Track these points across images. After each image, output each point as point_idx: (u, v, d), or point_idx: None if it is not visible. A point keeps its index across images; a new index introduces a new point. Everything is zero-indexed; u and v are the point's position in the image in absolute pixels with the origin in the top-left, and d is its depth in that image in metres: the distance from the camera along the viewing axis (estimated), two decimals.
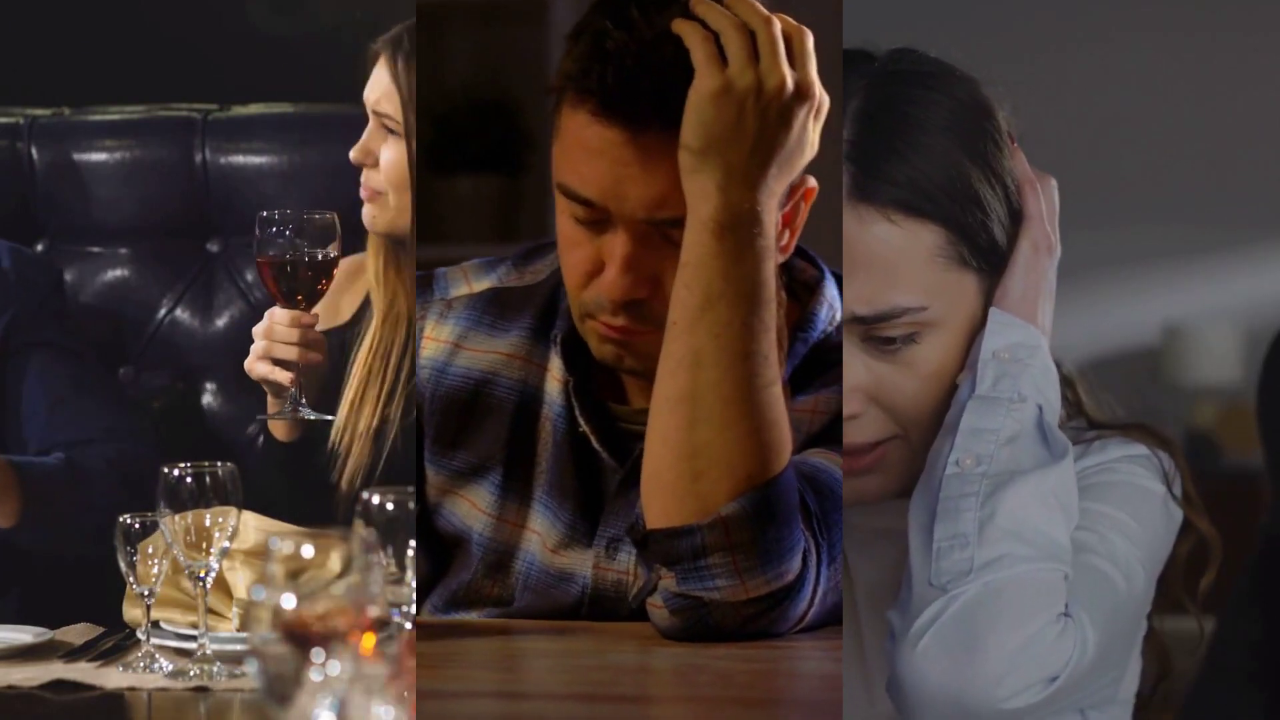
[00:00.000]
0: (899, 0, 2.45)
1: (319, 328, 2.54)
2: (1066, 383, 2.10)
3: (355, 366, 2.60)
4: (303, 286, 2.50)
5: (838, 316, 2.11)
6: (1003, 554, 1.88)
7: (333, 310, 2.69)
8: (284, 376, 2.51)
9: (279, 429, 2.61)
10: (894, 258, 1.94)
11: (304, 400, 2.51)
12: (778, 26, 1.91)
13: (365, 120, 2.62)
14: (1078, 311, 2.34)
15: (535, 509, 2.13)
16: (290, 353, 2.50)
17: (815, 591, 1.94)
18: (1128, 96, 2.62)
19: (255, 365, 2.53)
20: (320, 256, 2.48)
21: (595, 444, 2.10)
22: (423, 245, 2.33)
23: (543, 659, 2.00)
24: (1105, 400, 2.18)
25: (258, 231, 2.49)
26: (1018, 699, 1.86)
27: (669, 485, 1.92)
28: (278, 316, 2.51)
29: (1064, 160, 2.19)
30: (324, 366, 2.55)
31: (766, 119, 1.90)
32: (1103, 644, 1.94)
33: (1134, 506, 2.02)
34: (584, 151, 1.96)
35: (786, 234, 2.01)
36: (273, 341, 2.51)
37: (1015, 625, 1.86)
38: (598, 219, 1.98)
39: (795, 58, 1.92)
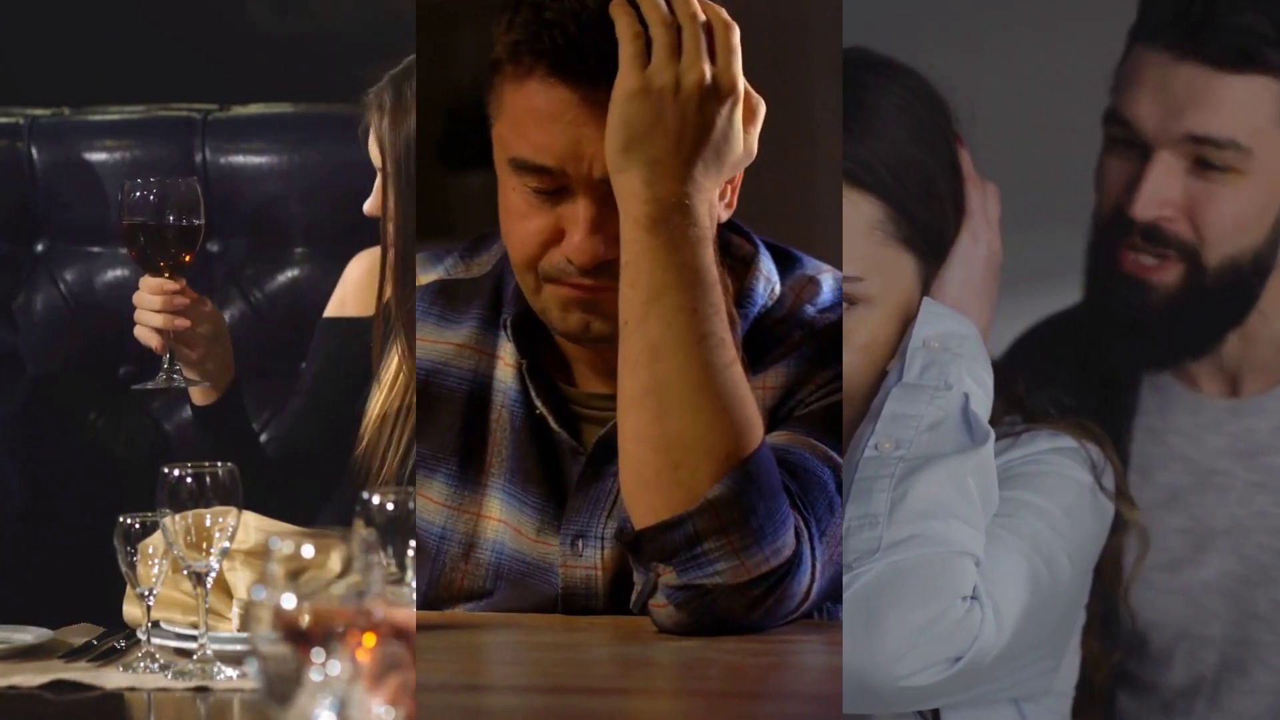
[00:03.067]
0: (896, 3, 2.45)
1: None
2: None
3: (379, 390, 2.59)
4: (164, 254, 2.52)
5: (776, 290, 2.12)
6: (911, 535, 1.92)
7: (365, 302, 2.69)
8: (156, 343, 2.55)
9: (195, 394, 2.63)
10: None
11: (178, 367, 2.55)
12: (701, 21, 1.92)
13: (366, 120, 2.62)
14: (1022, 310, 2.39)
15: (496, 497, 2.12)
16: (155, 320, 2.54)
17: (814, 567, 1.94)
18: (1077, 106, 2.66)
19: (137, 331, 2.56)
20: (184, 223, 2.50)
21: (553, 425, 2.10)
22: (434, 240, 2.33)
23: (542, 652, 1.99)
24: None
25: (120, 197, 2.51)
26: (917, 677, 1.90)
27: (650, 481, 1.92)
28: (144, 284, 2.55)
29: (1016, 166, 2.26)
30: (203, 330, 2.57)
31: (686, 115, 1.91)
32: (1022, 632, 1.96)
33: (1059, 497, 2.06)
34: (536, 119, 1.97)
35: (728, 190, 2.02)
36: (141, 309, 2.54)
37: (918, 605, 1.90)
38: (556, 187, 1.99)
39: (718, 53, 1.93)
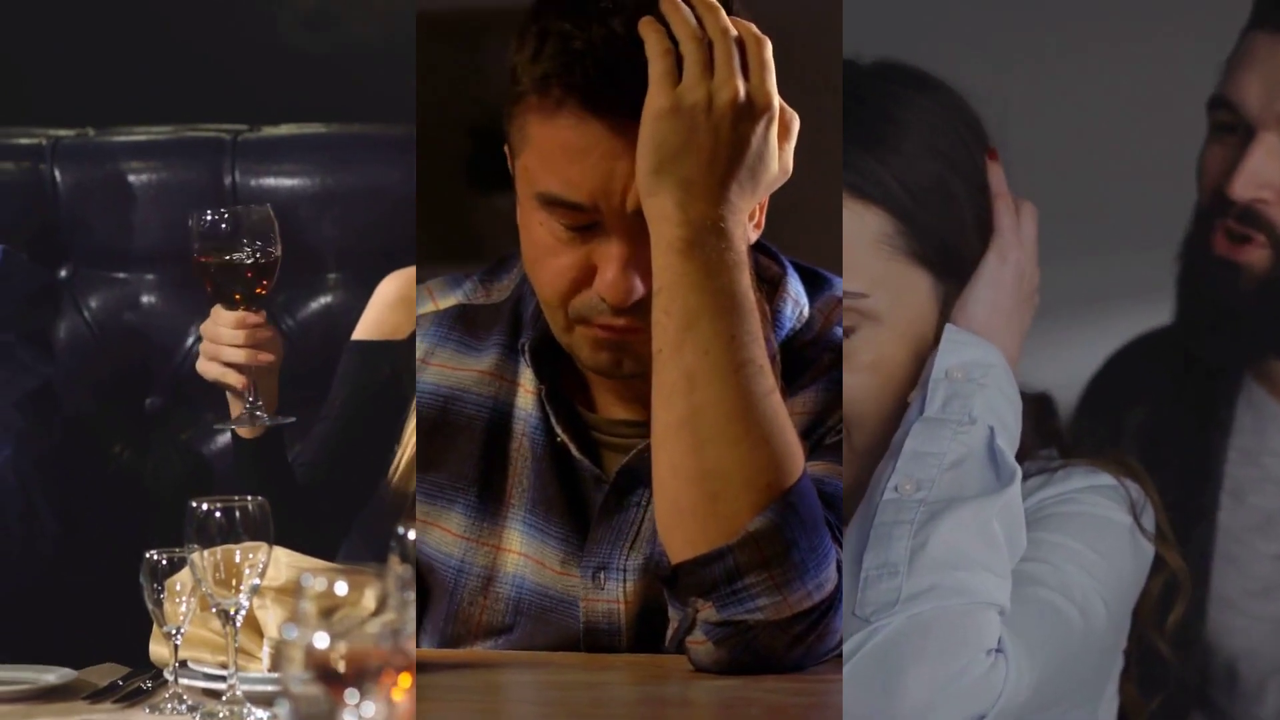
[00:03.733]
0: (899, 11, 2.44)
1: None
2: (1048, 410, 2.10)
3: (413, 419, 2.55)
4: (241, 286, 2.45)
5: (805, 312, 2.10)
6: (932, 585, 1.87)
7: (397, 324, 2.64)
8: (236, 380, 2.48)
9: (244, 428, 2.57)
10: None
11: (260, 403, 2.48)
12: (734, 37, 1.90)
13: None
14: (1064, 339, 2.38)
15: (516, 529, 2.10)
16: (237, 355, 2.47)
17: None
18: (1124, 121, 2.64)
19: (207, 367, 2.49)
20: (261, 259, 2.44)
21: (575, 452, 2.08)
22: (462, 262, 2.32)
23: (569, 691, 1.96)
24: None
25: (191, 226, 2.45)
26: None
27: (687, 513, 1.88)
28: (222, 318, 2.47)
29: (1060, 186, 2.22)
30: (277, 362, 2.50)
31: (720, 133, 1.89)
32: (1050, 680, 1.92)
33: (1095, 538, 2.01)
34: (568, 154, 1.93)
35: (757, 210, 1.99)
36: (219, 344, 2.47)
37: (940, 660, 1.85)
38: (588, 223, 1.96)
39: (751, 69, 1.90)
